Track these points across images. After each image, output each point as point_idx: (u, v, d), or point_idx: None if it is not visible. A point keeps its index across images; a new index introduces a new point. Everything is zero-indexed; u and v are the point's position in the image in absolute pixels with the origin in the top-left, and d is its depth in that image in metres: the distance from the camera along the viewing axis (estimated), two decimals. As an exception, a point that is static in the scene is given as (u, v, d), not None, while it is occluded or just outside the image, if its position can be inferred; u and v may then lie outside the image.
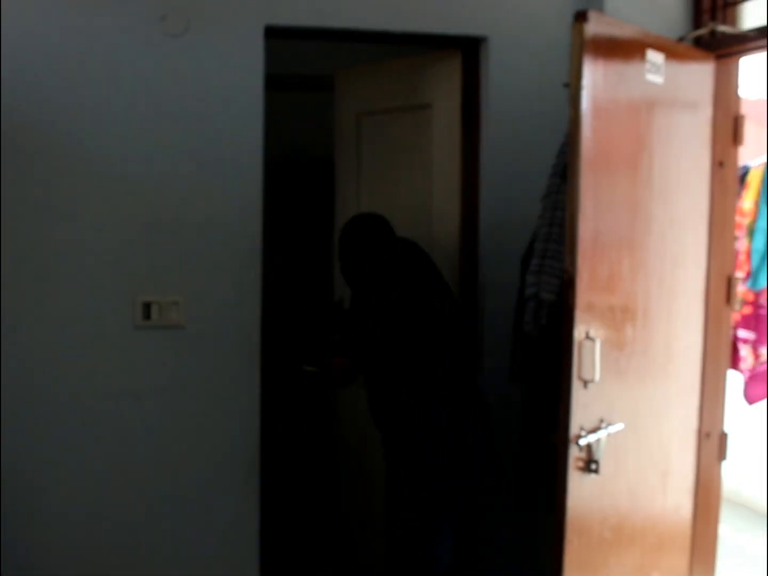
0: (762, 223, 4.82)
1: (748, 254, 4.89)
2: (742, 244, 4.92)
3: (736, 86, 3.36)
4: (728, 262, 3.43)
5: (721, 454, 3.50)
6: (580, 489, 2.76)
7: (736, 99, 3.37)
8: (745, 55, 3.26)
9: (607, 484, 2.89)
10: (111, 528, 3.24)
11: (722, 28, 3.15)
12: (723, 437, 3.49)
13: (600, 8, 3.24)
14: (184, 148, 3.14)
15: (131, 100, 3.09)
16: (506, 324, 3.21)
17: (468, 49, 3.41)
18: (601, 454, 2.79)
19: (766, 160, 4.83)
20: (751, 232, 4.87)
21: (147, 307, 3.15)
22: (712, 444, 3.47)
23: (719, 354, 3.45)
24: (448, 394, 3.18)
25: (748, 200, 4.91)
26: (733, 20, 3.30)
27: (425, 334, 3.10)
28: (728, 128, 3.36)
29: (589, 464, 2.78)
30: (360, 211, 3.34)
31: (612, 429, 2.83)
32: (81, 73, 3.06)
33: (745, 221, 4.92)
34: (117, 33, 3.06)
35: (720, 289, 3.41)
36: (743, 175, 4.97)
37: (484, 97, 3.37)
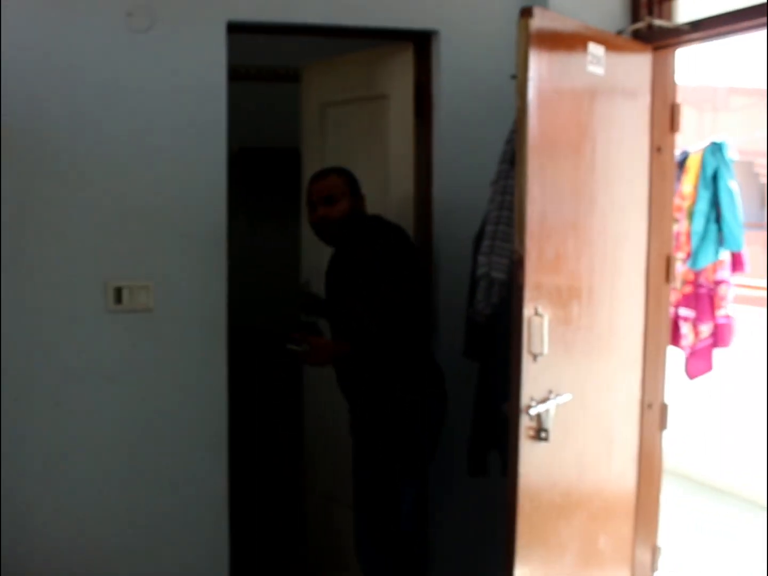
0: (701, 206, 5.02)
1: (689, 236, 5.09)
2: (682, 226, 5.13)
3: (673, 76, 3.53)
4: (667, 242, 3.60)
5: (662, 424, 3.68)
6: (531, 456, 2.90)
7: (673, 88, 3.54)
8: (680, 47, 3.44)
9: (556, 452, 3.04)
10: (81, 502, 3.33)
11: (658, 22, 3.33)
12: (664, 408, 3.68)
13: (544, 3, 3.41)
14: (151, 139, 3.23)
15: (100, 94, 3.17)
16: (460, 303, 3.36)
17: (420, 42, 3.54)
18: (550, 424, 2.94)
19: (703, 146, 5.05)
20: (690, 215, 5.08)
21: (118, 292, 3.25)
22: (653, 414, 3.65)
23: (659, 329, 3.63)
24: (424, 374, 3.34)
25: (687, 184, 5.12)
26: (669, 14, 3.48)
27: (416, 325, 3.24)
28: (665, 116, 3.52)
29: (539, 433, 2.93)
30: None
31: (560, 400, 2.98)
32: (50, 68, 3.14)
33: (685, 204, 5.13)
34: (85, 29, 3.14)
35: (659, 268, 3.59)
36: (683, 160, 5.18)
37: (436, 88, 3.50)
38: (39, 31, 3.14)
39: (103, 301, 3.24)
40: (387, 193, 3.63)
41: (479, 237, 3.23)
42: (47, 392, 3.26)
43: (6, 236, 3.15)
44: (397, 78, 3.60)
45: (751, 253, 5.14)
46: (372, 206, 3.40)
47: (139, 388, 3.33)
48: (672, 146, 3.58)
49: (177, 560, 3.45)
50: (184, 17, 3.22)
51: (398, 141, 3.60)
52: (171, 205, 3.28)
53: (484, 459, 3.33)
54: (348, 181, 3.27)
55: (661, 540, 3.79)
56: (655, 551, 3.75)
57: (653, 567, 3.74)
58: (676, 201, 5.17)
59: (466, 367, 3.41)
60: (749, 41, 3.69)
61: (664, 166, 3.55)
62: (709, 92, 14.01)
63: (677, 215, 5.14)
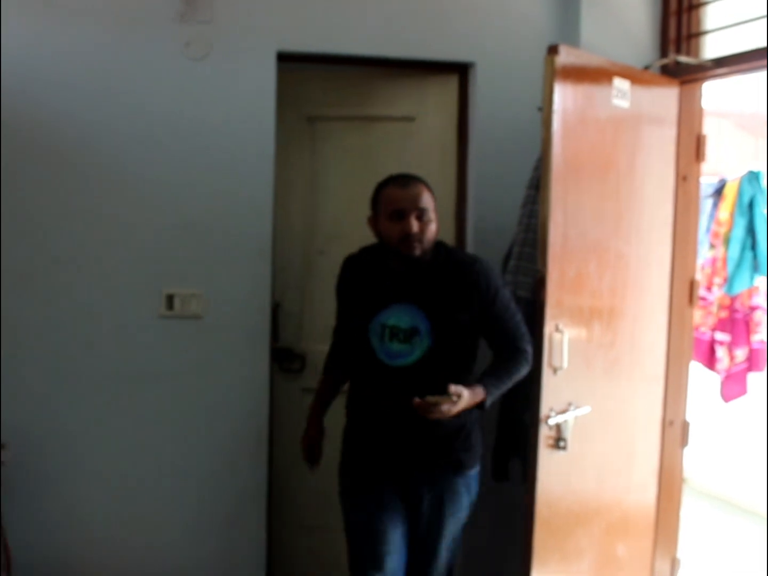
0: (737, 233, 5.15)
1: (725, 261, 5.22)
2: (719, 252, 5.26)
3: (699, 108, 3.70)
4: (690, 267, 3.76)
5: (684, 441, 3.83)
6: (549, 464, 3.10)
7: (699, 119, 3.70)
8: (706, 81, 3.62)
9: (575, 461, 3.22)
10: (132, 495, 3.57)
11: (682, 58, 3.51)
12: (685, 425, 3.82)
13: (576, 38, 3.61)
14: (204, 160, 3.47)
15: (160, 117, 3.42)
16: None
17: (458, 73, 3.78)
18: (568, 434, 3.13)
19: (741, 175, 5.18)
20: (727, 241, 5.21)
21: (170, 299, 3.49)
22: (675, 431, 3.80)
23: (682, 350, 3.78)
24: None
25: (724, 211, 5.25)
26: (696, 50, 3.66)
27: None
28: (692, 146, 3.69)
29: (558, 442, 3.13)
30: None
31: (579, 412, 3.17)
32: (115, 93, 3.39)
33: (722, 230, 5.26)
34: (148, 57, 3.39)
35: (683, 291, 3.75)
36: (720, 188, 5.33)
37: (472, 115, 3.72)
38: (104, 58, 3.38)
39: (156, 307, 3.49)
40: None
41: (508, 257, 3.44)
42: (102, 391, 3.50)
43: (74, 248, 3.43)
44: (430, 103, 3.82)
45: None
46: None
47: (188, 389, 3.55)
48: (697, 175, 3.74)
49: (217, 550, 3.67)
50: (237, 47, 3.45)
51: (432, 162, 3.80)
52: (221, 220, 3.51)
53: (506, 465, 3.52)
54: (433, 195, 2.94)
55: (681, 553, 3.94)
56: (674, 563, 3.89)
57: (672, 579, 3.89)
58: (714, 227, 5.32)
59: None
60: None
61: (690, 194, 3.72)
62: (764, 119, 13.96)
63: (714, 241, 5.28)
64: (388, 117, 3.85)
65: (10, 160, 3.33)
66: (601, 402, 3.34)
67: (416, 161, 3.70)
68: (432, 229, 2.91)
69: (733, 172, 5.28)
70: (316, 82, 3.80)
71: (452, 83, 3.79)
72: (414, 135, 3.83)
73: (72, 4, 3.35)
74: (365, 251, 3.10)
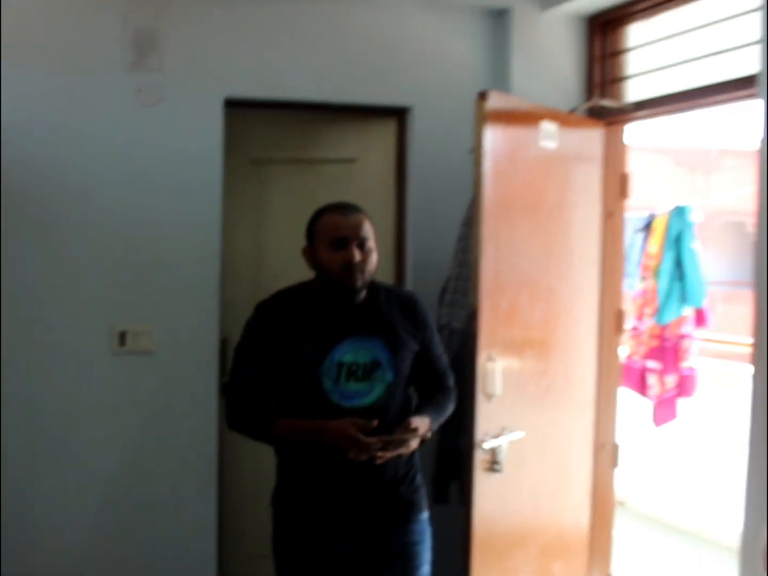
0: (666, 266, 5.38)
1: (655, 293, 5.46)
2: (649, 284, 5.50)
3: (623, 148, 3.94)
4: (617, 297, 3.97)
5: (613, 462, 4.03)
6: (485, 486, 3.26)
7: (623, 158, 3.94)
8: (629, 123, 3.86)
9: (510, 483, 3.39)
10: (87, 526, 3.66)
11: (604, 102, 3.75)
12: (615, 448, 4.02)
13: (507, 84, 3.83)
14: (155, 202, 3.61)
15: (111, 161, 3.56)
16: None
17: (398, 116, 3.98)
18: (503, 457, 3.31)
19: (669, 209, 5.43)
20: (656, 273, 5.45)
21: (122, 336, 3.62)
22: (606, 454, 4.00)
23: (611, 376, 3.99)
24: None
25: (653, 245, 5.49)
26: (619, 94, 3.90)
27: None
28: (616, 183, 3.93)
29: (494, 465, 3.30)
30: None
31: (513, 436, 3.34)
32: (65, 135, 3.52)
33: (651, 263, 5.50)
34: (99, 103, 3.54)
35: (611, 321, 3.97)
36: (649, 222, 5.58)
37: (410, 157, 3.93)
38: (60, 104, 3.52)
39: (109, 343, 3.61)
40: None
41: (444, 291, 3.62)
42: (60, 424, 3.60)
43: (28, 290, 3.54)
44: (372, 146, 4.02)
45: (743, 311, 5.42)
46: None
47: (141, 422, 3.67)
48: (622, 211, 3.97)
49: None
50: (186, 94, 3.61)
51: (373, 203, 3.96)
52: (171, 260, 3.66)
53: (446, 488, 3.68)
54: (373, 225, 2.78)
55: (615, 571, 4.12)
56: (608, 581, 4.08)
57: (606, 595, 4.07)
58: (644, 260, 5.56)
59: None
60: (739, 107, 4.00)
61: (615, 229, 3.95)
62: (702, 155, 14.46)
63: (645, 273, 5.52)
64: (331, 159, 4.03)
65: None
66: (535, 427, 3.51)
67: (358, 201, 3.79)
68: (374, 259, 2.75)
69: (669, 206, 5.52)
70: (262, 126, 3.97)
71: (391, 126, 3.99)
72: (355, 176, 4.01)
73: (31, 53, 3.49)
74: (281, 295, 2.84)
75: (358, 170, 4.02)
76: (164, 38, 3.59)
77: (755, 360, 2.98)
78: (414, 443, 2.69)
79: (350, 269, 2.70)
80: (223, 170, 3.70)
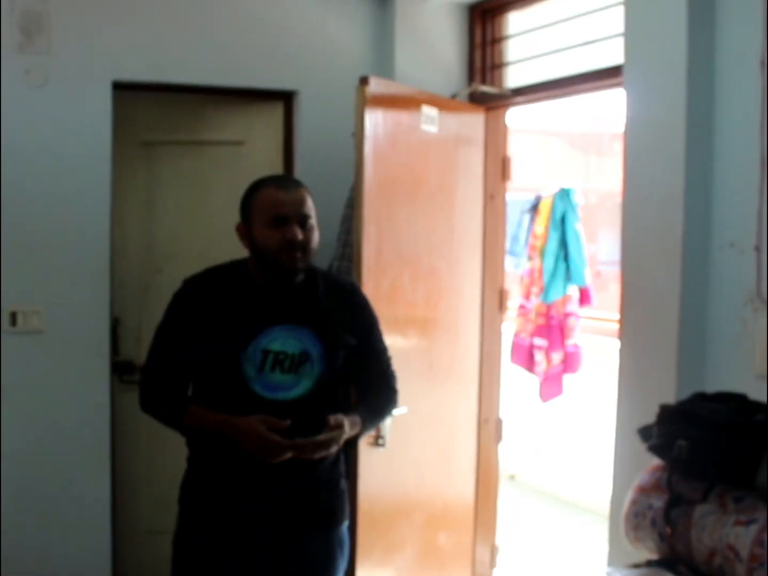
0: (551, 246, 5.54)
1: (541, 272, 5.63)
2: (536, 263, 5.67)
3: (504, 132, 4.07)
4: (499, 277, 4.11)
5: (498, 437, 4.19)
6: (370, 460, 3.37)
7: (504, 142, 4.07)
8: (508, 108, 3.99)
9: (394, 458, 3.51)
10: None
11: (484, 88, 3.88)
12: (499, 423, 4.17)
13: (391, 68, 3.92)
14: (43, 180, 3.61)
15: (2, 143, 3.54)
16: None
17: (284, 100, 4.04)
18: (387, 432, 3.43)
19: (555, 191, 5.60)
20: (542, 253, 5.63)
21: (13, 316, 3.62)
22: (490, 428, 4.14)
23: (494, 353, 4.14)
24: None
25: (540, 225, 5.65)
26: (500, 80, 4.03)
27: None
28: (498, 167, 4.06)
29: (377, 440, 3.41)
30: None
31: (396, 412, 3.47)
32: None
33: (538, 243, 5.67)
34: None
35: (493, 299, 4.10)
36: (535, 204, 5.74)
37: (297, 140, 4.00)
38: None
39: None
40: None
41: (330, 270, 3.70)
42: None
43: None
44: (259, 129, 4.08)
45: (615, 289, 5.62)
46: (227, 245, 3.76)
47: (33, 401, 3.66)
48: (503, 193, 4.10)
49: (65, 558, 3.78)
50: (74, 76, 3.62)
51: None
52: (60, 239, 3.66)
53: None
54: (314, 202, 2.58)
55: (501, 541, 4.28)
56: (493, 550, 4.22)
57: (492, 564, 4.22)
58: (531, 241, 5.73)
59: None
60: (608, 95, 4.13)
61: (497, 210, 4.08)
62: (595, 138, 14.80)
63: (531, 253, 5.69)
64: (220, 141, 4.07)
65: None
66: (419, 403, 3.60)
67: (245, 183, 3.89)
68: (315, 238, 2.54)
69: (555, 188, 5.69)
70: (151, 109, 3.98)
71: (278, 110, 4.05)
72: (244, 158, 4.05)
73: None
74: (211, 272, 2.62)
75: (246, 152, 4.07)
76: (52, 20, 3.58)
77: (621, 336, 3.14)
78: (334, 447, 2.44)
79: (290, 249, 2.46)
80: (111, 152, 3.72)
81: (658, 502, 2.41)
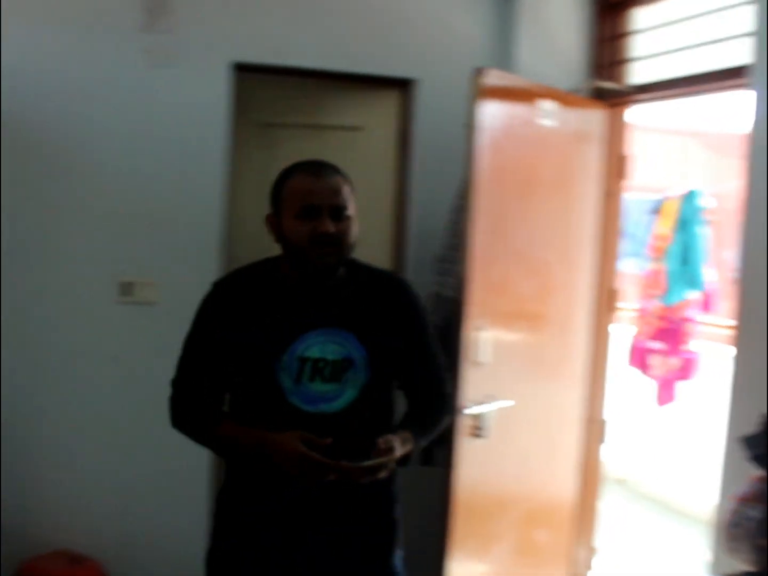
0: (676, 248, 5.44)
1: (663, 274, 5.52)
2: (657, 265, 5.56)
3: (624, 130, 3.99)
4: (611, 276, 4.05)
5: (601, 438, 4.13)
6: (469, 451, 3.36)
7: (624, 140, 4.00)
8: (630, 105, 3.92)
9: (495, 449, 3.49)
10: (93, 463, 3.78)
11: (606, 84, 3.81)
12: (603, 423, 4.11)
13: (511, 60, 3.90)
14: (161, 158, 3.70)
15: (119, 118, 3.65)
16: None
17: (402, 87, 4.05)
18: (488, 423, 3.42)
19: (682, 193, 5.48)
20: (664, 255, 5.51)
21: (127, 286, 3.74)
22: (594, 428, 4.10)
23: (601, 353, 4.07)
24: None
25: (663, 226, 5.55)
26: (622, 77, 3.95)
27: None
28: (616, 165, 3.99)
29: (478, 430, 3.42)
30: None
31: (499, 404, 3.45)
32: (84, 94, 3.61)
33: (660, 245, 5.56)
34: (111, 61, 3.62)
35: (604, 299, 4.04)
36: (659, 205, 5.63)
37: (413, 127, 4.01)
38: (71, 60, 3.61)
39: (113, 294, 3.73)
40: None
41: (438, 259, 3.71)
42: (66, 370, 3.72)
43: (35, 240, 3.65)
44: (377, 115, 4.10)
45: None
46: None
47: (143, 369, 3.75)
48: (620, 192, 4.03)
49: (163, 517, 3.90)
50: (195, 57, 3.70)
51: (376, 170, 4.09)
52: (175, 215, 3.76)
53: (431, 451, 3.78)
54: (353, 189, 2.32)
55: (599, 543, 4.22)
56: (590, 551, 4.18)
57: (587, 565, 4.17)
58: (652, 242, 5.62)
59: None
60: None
61: (613, 209, 4.01)
62: (731, 139, 14.34)
63: (653, 255, 5.58)
64: (338, 126, 4.11)
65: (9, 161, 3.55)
66: (523, 397, 3.60)
67: (362, 168, 3.97)
68: (352, 231, 2.27)
69: (682, 189, 5.55)
70: (273, 91, 4.05)
71: (396, 97, 4.07)
72: (361, 143, 4.09)
73: (43, 11, 3.57)
74: (242, 273, 2.40)
75: (364, 138, 4.10)
76: (176, 1, 3.67)
77: (737, 343, 3.06)
78: (384, 473, 2.15)
79: (321, 243, 2.21)
80: (228, 132, 3.79)
81: (757, 513, 2.34)
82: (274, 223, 2.31)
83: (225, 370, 2.31)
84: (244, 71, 3.82)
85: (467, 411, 3.33)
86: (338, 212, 2.24)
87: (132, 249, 3.75)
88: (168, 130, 3.71)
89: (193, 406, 2.35)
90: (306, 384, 2.26)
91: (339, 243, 2.24)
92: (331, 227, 2.22)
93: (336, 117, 4.12)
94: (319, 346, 2.27)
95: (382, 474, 2.15)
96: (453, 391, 2.53)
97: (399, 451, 2.19)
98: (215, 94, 3.75)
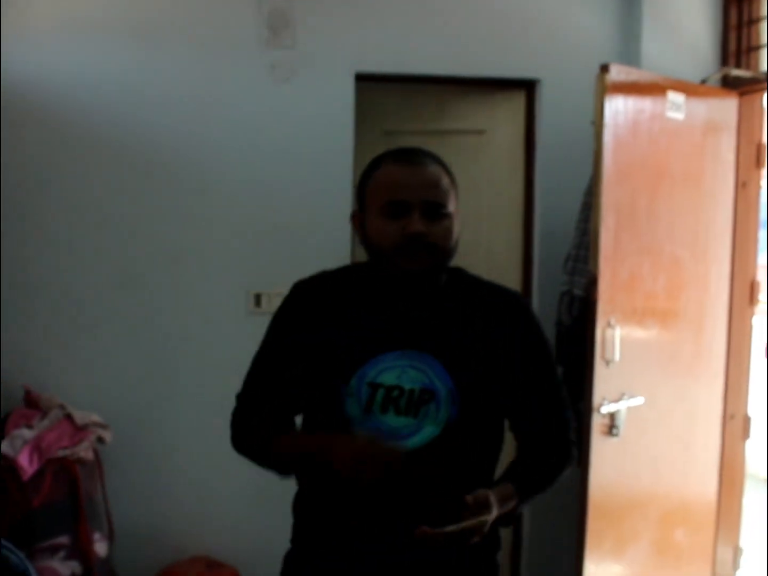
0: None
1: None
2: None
3: (760, 118, 3.87)
4: (751, 268, 3.93)
5: (745, 434, 4.01)
6: (603, 450, 3.34)
7: (760, 128, 3.88)
8: (764, 92, 3.80)
9: (628, 448, 3.45)
10: (229, 470, 3.70)
11: (735, 72, 3.71)
12: (746, 419, 4.00)
13: (637, 53, 3.84)
14: (289, 171, 3.78)
15: (247, 135, 3.74)
16: (552, 314, 3.78)
17: (526, 88, 4.03)
18: (621, 422, 3.38)
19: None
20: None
21: (258, 297, 3.82)
22: (736, 425, 3.98)
23: (743, 347, 3.96)
24: None
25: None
26: (756, 63, 3.85)
27: None
28: (752, 153, 3.87)
29: (611, 429, 3.38)
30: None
31: (632, 402, 3.40)
32: (211, 112, 3.71)
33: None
34: (237, 79, 3.72)
35: (744, 291, 3.93)
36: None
37: (538, 128, 3.99)
38: (198, 79, 3.71)
39: (245, 305, 3.82)
40: (480, 218, 4.08)
41: (567, 259, 3.69)
42: (198, 379, 3.83)
43: (170, 251, 3.77)
44: (500, 118, 4.10)
45: None
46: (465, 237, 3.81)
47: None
48: (758, 181, 3.91)
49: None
50: (318, 69, 3.77)
51: (501, 173, 4.09)
52: (303, 227, 3.83)
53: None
54: (454, 182, 1.95)
55: (744, 542, 4.10)
56: (737, 551, 4.06)
57: (735, 566, 4.06)
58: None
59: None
60: None
61: (749, 199, 3.90)
62: None
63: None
64: (461, 130, 4.14)
65: (123, 172, 3.70)
66: (657, 394, 3.55)
67: (487, 172, 4.00)
68: (450, 230, 1.89)
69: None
70: (393, 99, 4.11)
71: (519, 99, 4.06)
72: (484, 147, 4.11)
73: (170, 32, 3.69)
74: (327, 276, 2.08)
75: (487, 142, 4.12)
76: (297, 15, 3.74)
77: None
78: (476, 537, 1.71)
79: (410, 246, 1.85)
80: (354, 141, 3.85)
81: None
82: (360, 221, 1.97)
83: (296, 383, 1.98)
84: (365, 80, 3.87)
85: (602, 409, 3.31)
86: (434, 209, 1.87)
87: (262, 261, 3.84)
88: (294, 142, 3.79)
89: (257, 423, 2.02)
90: (377, 415, 1.89)
91: (433, 246, 1.86)
92: (422, 227, 1.84)
93: (458, 121, 4.15)
94: (396, 371, 1.90)
95: (474, 539, 1.72)
96: (577, 439, 2.02)
97: (495, 511, 1.75)
98: (340, 106, 3.81)
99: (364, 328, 1.94)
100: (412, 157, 1.92)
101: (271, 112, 3.77)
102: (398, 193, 1.86)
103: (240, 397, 2.09)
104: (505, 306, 1.99)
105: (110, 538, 3.55)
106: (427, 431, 1.88)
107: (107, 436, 3.50)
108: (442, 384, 1.89)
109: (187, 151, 3.75)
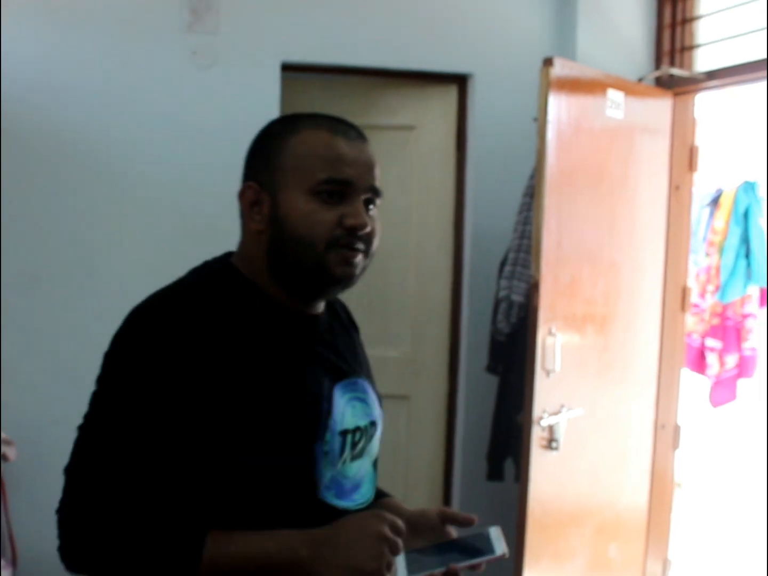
0: (731, 241, 5.21)
1: (719, 269, 5.31)
2: (713, 260, 5.35)
3: (692, 119, 3.80)
4: (682, 273, 3.85)
5: (675, 444, 3.93)
6: (542, 464, 3.19)
7: (692, 130, 3.80)
8: (698, 93, 3.72)
9: (567, 462, 3.31)
10: None
11: (674, 71, 3.61)
12: (677, 429, 3.91)
13: (572, 50, 3.71)
14: (207, 162, 3.54)
15: (165, 120, 3.50)
16: (486, 321, 3.65)
17: (458, 83, 3.87)
18: (561, 435, 3.23)
19: (738, 184, 5.26)
20: (721, 249, 5.30)
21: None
22: (667, 434, 3.89)
23: (674, 355, 3.87)
24: None
25: (720, 220, 5.32)
26: (689, 63, 3.76)
27: None
28: (685, 156, 3.78)
29: (551, 443, 3.23)
30: None
31: (572, 414, 3.27)
32: (127, 99, 3.48)
33: (717, 239, 5.34)
34: (156, 64, 3.49)
35: (675, 297, 3.84)
36: (716, 197, 5.41)
37: (471, 125, 3.83)
38: (115, 64, 3.47)
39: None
40: (409, 218, 3.92)
41: (504, 263, 3.54)
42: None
43: (77, 248, 3.51)
44: (431, 113, 3.93)
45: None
46: (395, 234, 3.64)
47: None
48: (690, 184, 3.83)
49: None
50: (242, 57, 3.56)
51: (431, 171, 3.92)
52: (223, 217, 3.53)
53: (500, 465, 3.61)
54: None
55: (673, 554, 4.02)
56: (666, 564, 3.98)
57: (663, 579, 3.98)
58: (709, 236, 5.40)
59: (486, 381, 3.70)
60: None
61: (682, 202, 3.81)
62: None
63: (709, 250, 5.36)
64: (389, 126, 3.96)
65: (51, 167, 3.46)
66: (594, 405, 3.42)
67: (416, 170, 3.82)
68: (378, 232, 1.51)
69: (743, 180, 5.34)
70: (319, 91, 3.91)
71: (452, 93, 3.90)
72: (414, 143, 3.94)
73: (84, 13, 3.43)
74: (189, 303, 1.46)
75: (417, 138, 3.95)
76: (220, 0, 3.53)
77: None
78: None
79: (351, 243, 1.45)
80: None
81: None
82: (257, 199, 1.50)
83: (192, 465, 1.40)
84: (291, 71, 3.66)
85: (543, 422, 3.15)
86: (371, 202, 1.49)
87: (180, 256, 3.53)
88: (216, 133, 3.56)
89: (143, 519, 1.40)
90: (341, 470, 1.49)
91: (369, 246, 1.47)
92: (365, 220, 1.44)
93: (388, 116, 3.97)
94: (349, 407, 1.52)
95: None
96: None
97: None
98: (265, 96, 3.59)
99: (303, 363, 1.47)
100: (349, 129, 1.52)
101: (192, 101, 3.54)
102: (342, 170, 1.44)
103: (98, 486, 1.47)
104: (345, 311, 1.71)
105: (14, 564, 3.31)
106: (368, 469, 1.57)
107: (11, 453, 3.27)
108: (377, 408, 1.59)
109: (100, 138, 3.49)
